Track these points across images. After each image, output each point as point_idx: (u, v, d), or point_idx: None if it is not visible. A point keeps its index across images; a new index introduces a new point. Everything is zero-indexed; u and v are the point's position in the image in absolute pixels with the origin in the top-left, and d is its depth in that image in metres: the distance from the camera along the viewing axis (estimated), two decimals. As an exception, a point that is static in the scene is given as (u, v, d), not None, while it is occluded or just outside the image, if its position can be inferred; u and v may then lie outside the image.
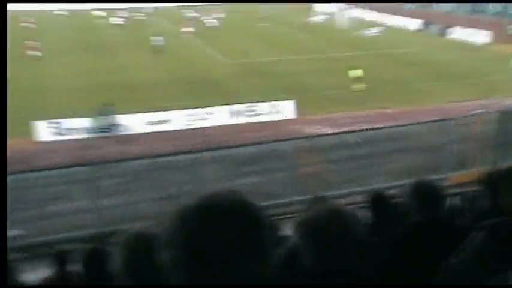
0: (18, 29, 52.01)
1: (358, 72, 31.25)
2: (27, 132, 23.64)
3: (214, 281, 1.28)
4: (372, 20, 61.04)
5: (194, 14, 62.72)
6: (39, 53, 41.03)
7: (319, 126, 25.19)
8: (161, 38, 43.86)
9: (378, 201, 5.98)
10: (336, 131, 22.35)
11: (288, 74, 35.48)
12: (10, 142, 22.44)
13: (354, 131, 19.80)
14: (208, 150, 17.23)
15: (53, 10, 70.04)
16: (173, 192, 15.72)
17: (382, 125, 18.97)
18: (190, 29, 53.05)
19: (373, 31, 53.76)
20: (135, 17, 63.33)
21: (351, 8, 63.31)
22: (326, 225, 2.43)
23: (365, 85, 31.23)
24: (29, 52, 40.57)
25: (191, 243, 1.29)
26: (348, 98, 29.42)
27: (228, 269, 1.28)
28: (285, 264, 3.32)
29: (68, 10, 71.23)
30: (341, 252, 2.40)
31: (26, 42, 41.87)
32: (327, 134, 22.38)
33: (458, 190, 10.16)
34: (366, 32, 53.71)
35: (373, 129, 17.65)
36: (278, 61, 40.22)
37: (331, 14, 62.61)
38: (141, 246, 2.26)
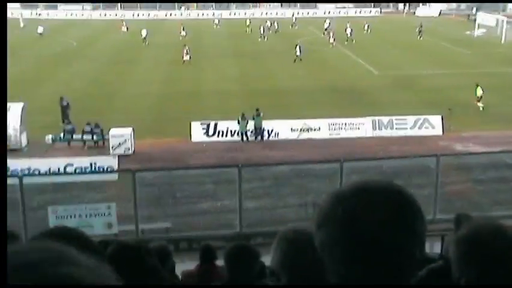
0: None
1: (479, 91, 29.19)
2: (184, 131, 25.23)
3: (368, 256, 1.32)
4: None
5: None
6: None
7: (469, 144, 24.00)
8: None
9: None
10: (486, 150, 21.20)
11: (439, 88, 34.17)
12: (171, 140, 24.14)
13: (505, 151, 18.67)
14: (350, 160, 17.18)
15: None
16: (310, 199, 15.96)
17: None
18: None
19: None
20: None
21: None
22: (492, 242, 2.36)
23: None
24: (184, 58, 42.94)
25: (348, 221, 1.34)
26: (501, 116, 27.63)
27: (381, 245, 1.32)
28: (436, 277, 3.27)
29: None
30: (505, 271, 2.33)
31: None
32: (477, 153, 21.30)
33: None
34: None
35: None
36: (430, 74, 38.87)
37: (493, 27, 59.12)
38: (298, 241, 2.36)
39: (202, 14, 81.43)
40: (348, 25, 55.97)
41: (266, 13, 79.29)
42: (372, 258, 1.33)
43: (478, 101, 29.24)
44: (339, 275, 1.36)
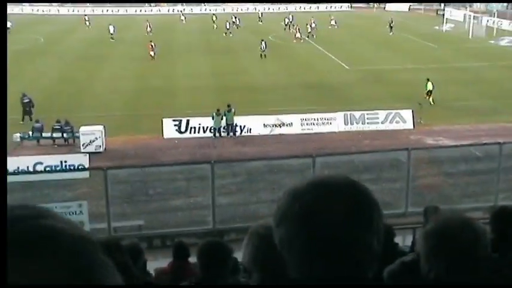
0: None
1: (429, 86, 29.62)
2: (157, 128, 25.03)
3: (327, 251, 1.32)
4: (506, 29, 57.70)
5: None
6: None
7: (440, 138, 24.34)
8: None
9: (502, 217, 5.73)
10: (456, 143, 21.52)
11: (409, 82, 34.58)
12: (142, 137, 23.94)
13: (474, 144, 18.99)
14: (322, 155, 17.27)
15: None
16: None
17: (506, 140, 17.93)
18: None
19: (506, 41, 50.91)
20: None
21: (480, 16, 60.37)
22: (459, 235, 2.38)
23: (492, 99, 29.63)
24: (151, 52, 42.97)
25: (305, 217, 1.34)
26: (470, 110, 28.11)
27: (339, 239, 1.32)
28: (408, 270, 3.29)
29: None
30: (473, 263, 2.35)
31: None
32: (447, 146, 21.61)
33: None
34: (500, 41, 51.04)
35: (495, 143, 16.73)
36: (401, 69, 39.30)
37: (461, 22, 60.10)
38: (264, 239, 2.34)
39: (173, 10, 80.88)
40: (312, 20, 56.58)
41: (234, 9, 79.08)
42: (331, 252, 1.34)
43: (428, 95, 29.54)
44: (298, 271, 1.37)
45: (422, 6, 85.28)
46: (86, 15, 67.55)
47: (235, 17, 63.31)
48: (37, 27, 61.97)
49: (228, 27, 57.44)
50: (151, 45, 43.28)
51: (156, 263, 8.65)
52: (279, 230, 1.39)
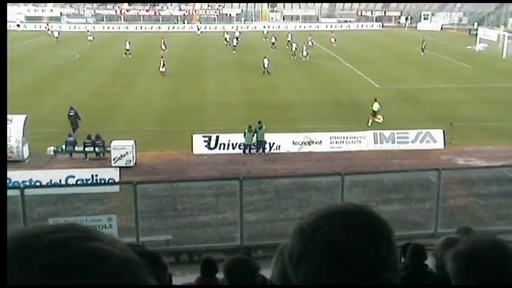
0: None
1: (376, 106, 29.18)
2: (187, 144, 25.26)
3: (358, 277, 1.31)
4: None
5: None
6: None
7: (471, 158, 23.99)
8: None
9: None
10: (488, 164, 21.19)
11: (441, 102, 34.23)
12: (172, 152, 24.19)
13: (507, 166, 18.67)
14: (351, 174, 17.18)
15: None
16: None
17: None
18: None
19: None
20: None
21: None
22: (489, 256, 2.34)
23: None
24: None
25: (329, 249, 1.32)
26: (503, 131, 27.65)
27: (368, 264, 1.31)
28: None
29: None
30: (502, 285, 2.31)
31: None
32: (479, 167, 21.29)
33: None
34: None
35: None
36: (432, 89, 38.95)
37: (494, 42, 59.36)
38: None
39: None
40: (309, 38, 58.15)
41: (267, 26, 79.74)
42: (364, 278, 1.32)
43: (374, 116, 29.17)
44: None
45: (454, 25, 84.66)
46: (88, 30, 69.84)
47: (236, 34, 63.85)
48: (74, 44, 63.43)
49: (235, 43, 58.61)
50: (163, 62, 44.23)
51: (184, 279, 8.70)
52: (300, 269, 1.35)
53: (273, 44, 60.06)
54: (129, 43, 55.12)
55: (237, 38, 60.75)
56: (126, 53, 54.13)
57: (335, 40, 63.42)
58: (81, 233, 0.91)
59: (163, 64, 44.14)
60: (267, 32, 71.81)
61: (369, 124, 28.71)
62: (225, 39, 63.23)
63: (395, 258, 1.39)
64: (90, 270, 0.85)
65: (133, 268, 0.90)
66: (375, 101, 29.63)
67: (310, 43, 57.23)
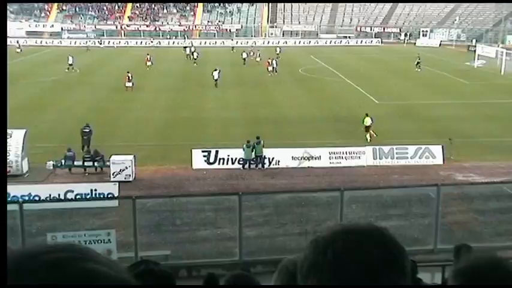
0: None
1: (367, 121, 29.34)
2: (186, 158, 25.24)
3: None
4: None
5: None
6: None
7: (470, 174, 24.00)
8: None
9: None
10: (488, 180, 21.19)
11: (440, 118, 34.31)
12: (171, 167, 24.14)
13: (506, 182, 18.68)
14: (350, 189, 17.17)
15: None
16: (310, 228, 15.90)
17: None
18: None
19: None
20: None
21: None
22: (489, 275, 2.33)
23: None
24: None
25: (340, 265, 1.32)
26: (502, 147, 27.68)
27: (376, 285, 1.31)
28: None
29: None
30: None
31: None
32: (478, 183, 21.30)
33: None
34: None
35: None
36: (431, 104, 39.04)
37: (493, 58, 59.65)
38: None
39: (204, 43, 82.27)
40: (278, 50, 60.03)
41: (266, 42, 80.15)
42: None
43: (367, 131, 29.30)
44: None
45: (453, 42, 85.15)
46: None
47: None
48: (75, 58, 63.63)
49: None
50: (128, 77, 43.85)
51: (182, 294, 8.67)
52: (308, 281, 1.36)
53: (244, 59, 60.19)
54: (72, 58, 55.39)
55: (197, 53, 61.44)
56: (68, 68, 54.11)
57: (280, 51, 65.00)
58: (77, 254, 0.92)
59: (129, 78, 43.67)
60: (233, 47, 73.65)
61: (369, 140, 28.77)
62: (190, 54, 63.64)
63: (405, 283, 1.38)
64: None
65: None
66: (366, 115, 29.74)
67: (274, 61, 54.66)
